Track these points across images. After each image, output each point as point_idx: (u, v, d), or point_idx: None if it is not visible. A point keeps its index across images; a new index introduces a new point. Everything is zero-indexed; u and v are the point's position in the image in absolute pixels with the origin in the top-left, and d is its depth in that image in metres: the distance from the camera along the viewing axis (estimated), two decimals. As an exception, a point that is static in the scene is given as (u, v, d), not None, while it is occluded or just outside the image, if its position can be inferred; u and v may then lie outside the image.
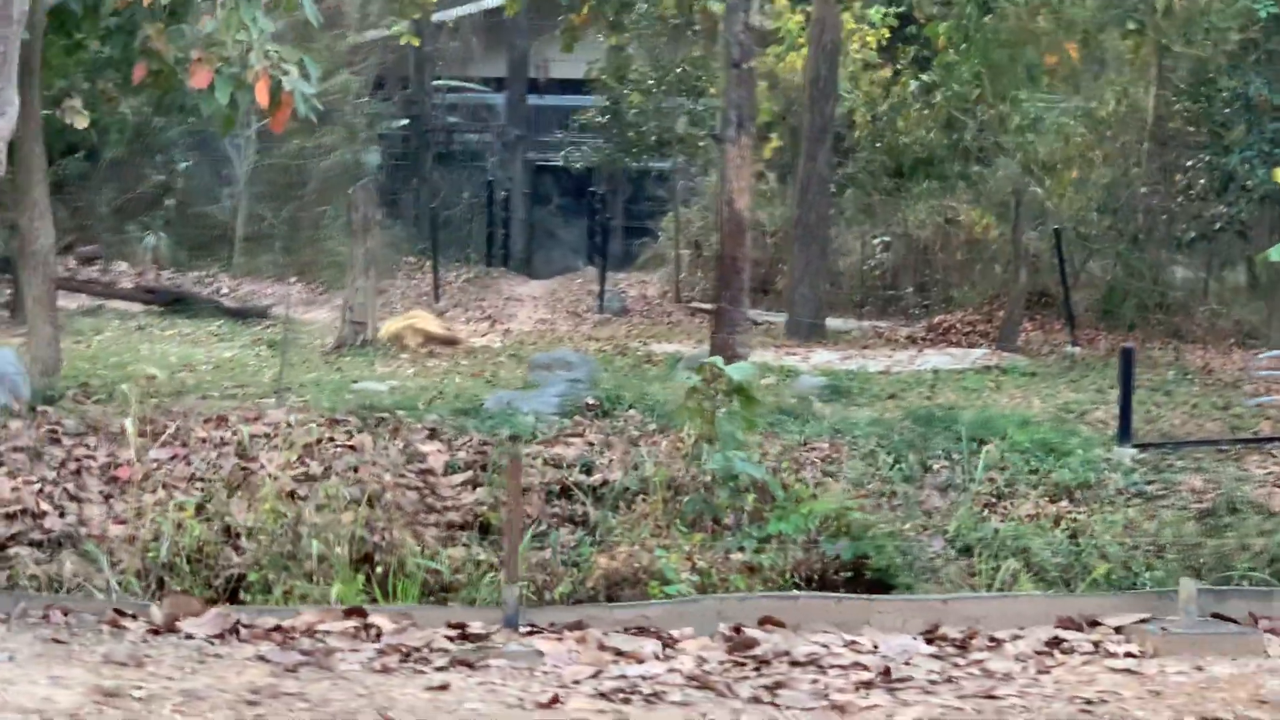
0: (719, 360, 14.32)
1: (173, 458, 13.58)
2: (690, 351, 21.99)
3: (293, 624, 8.14)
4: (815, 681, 7.44)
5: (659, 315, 29.01)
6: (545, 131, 39.85)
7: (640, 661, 7.77)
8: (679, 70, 31.80)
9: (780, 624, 9.79)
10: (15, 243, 22.56)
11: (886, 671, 7.94)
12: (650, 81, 32.42)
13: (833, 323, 25.90)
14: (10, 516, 12.56)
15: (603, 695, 6.83)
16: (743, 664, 7.97)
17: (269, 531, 12.66)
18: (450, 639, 8.08)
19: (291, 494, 13.42)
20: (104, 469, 13.28)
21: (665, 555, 12.63)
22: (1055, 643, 9.07)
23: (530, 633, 8.74)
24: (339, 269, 30.92)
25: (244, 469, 13.53)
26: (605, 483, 14.12)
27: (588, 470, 14.30)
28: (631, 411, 15.63)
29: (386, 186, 39.58)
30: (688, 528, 13.30)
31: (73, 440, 13.65)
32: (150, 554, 12.29)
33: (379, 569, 12.63)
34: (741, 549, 13.17)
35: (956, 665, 8.28)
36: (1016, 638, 9.12)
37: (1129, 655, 8.56)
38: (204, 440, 13.89)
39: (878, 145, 27.31)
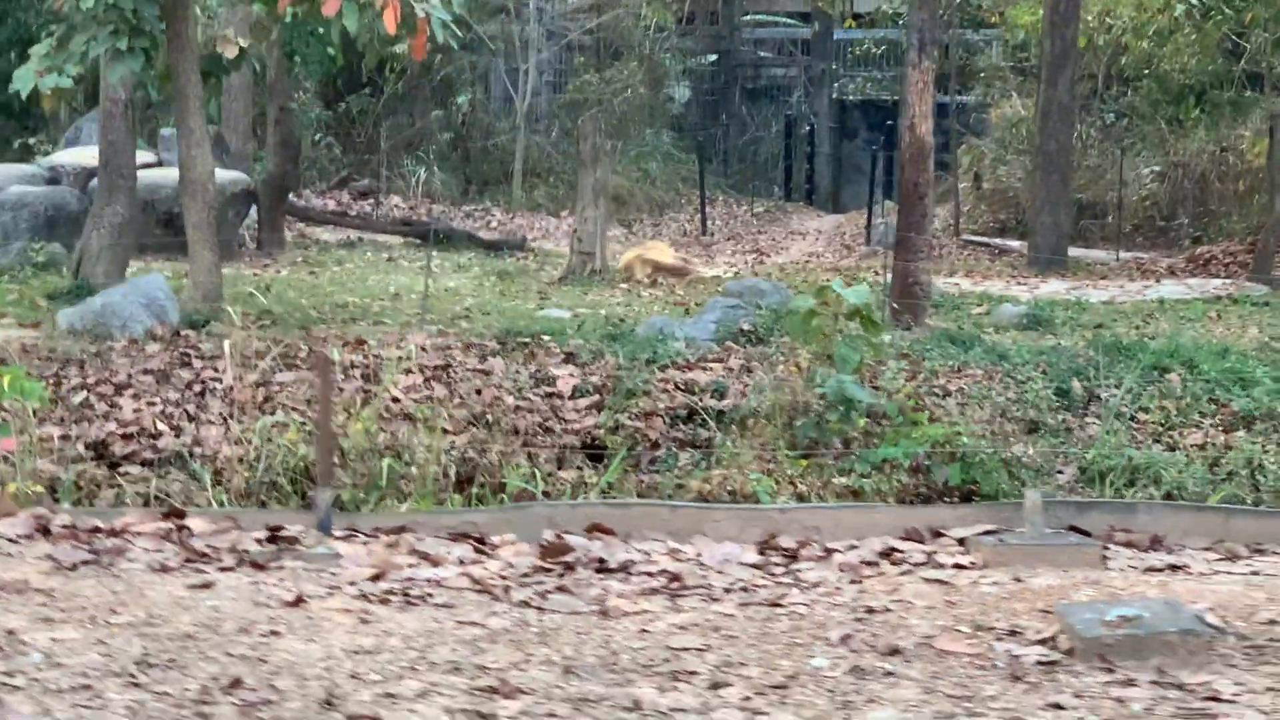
0: (838, 285, 14.04)
1: (297, 380, 13.84)
2: (942, 286, 21.73)
3: (111, 526, 8.24)
4: (601, 587, 7.34)
5: (1051, 254, 28.56)
6: (853, 66, 39.57)
7: (436, 565, 7.74)
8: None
9: (610, 531, 9.65)
10: (264, 174, 23.46)
11: (677, 578, 7.78)
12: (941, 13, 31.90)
13: (1087, 253, 25.28)
14: (127, 437, 12.92)
15: (363, 596, 6.82)
16: (549, 570, 7.89)
17: (375, 451, 12.80)
18: (260, 542, 8.14)
19: (409, 416, 13.60)
20: (227, 392, 13.59)
21: (759, 479, 12.51)
22: (888, 553, 8.79)
23: (347, 537, 8.74)
24: (618, 203, 31.36)
25: (367, 391, 13.75)
26: (736, 407, 13.98)
27: (720, 395, 14.19)
28: (786, 338, 15.44)
29: (695, 122, 39.95)
30: (796, 451, 13.12)
31: (204, 364, 14.03)
32: (253, 473, 12.55)
33: (478, 489, 12.71)
34: (850, 472, 12.96)
35: (770, 574, 8.08)
36: (852, 548, 8.85)
37: (956, 566, 8.27)
38: (334, 363, 14.16)
39: (1145, 72, 26.44)
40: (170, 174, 22.76)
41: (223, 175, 23.39)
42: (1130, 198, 27.90)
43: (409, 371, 14.29)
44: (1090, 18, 26.55)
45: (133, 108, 17.57)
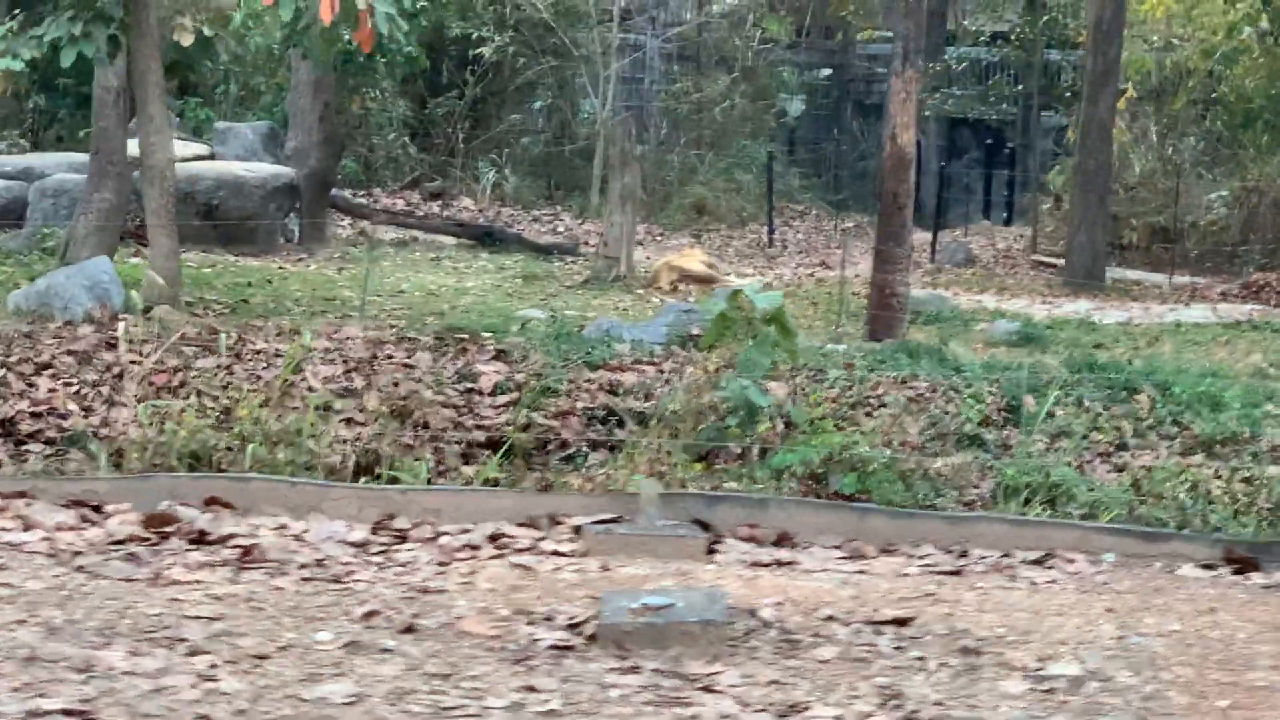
0: (750, 290, 13.92)
1: (218, 367, 13.97)
2: (965, 303, 21.58)
3: None
4: (178, 558, 7.33)
5: (1002, 267, 28.27)
6: (961, 83, 39.21)
7: (28, 529, 7.76)
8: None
9: (229, 505, 9.71)
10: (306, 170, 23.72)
11: (250, 551, 7.74)
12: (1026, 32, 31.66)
13: (1142, 275, 24.87)
14: (36, 415, 13.13)
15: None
16: (146, 539, 7.88)
17: (272, 438, 12.89)
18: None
19: (327, 406, 13.68)
20: (147, 376, 13.75)
21: (638, 480, 12.43)
22: (496, 538, 8.69)
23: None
24: (700, 213, 31.34)
25: (286, 380, 13.85)
26: (652, 410, 13.93)
27: (645, 396, 14.15)
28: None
29: (807, 135, 39.83)
30: (695, 457, 13.05)
31: (130, 347, 14.20)
32: (147, 454, 12.67)
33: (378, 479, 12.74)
34: (740, 478, 12.86)
35: (365, 553, 8.03)
36: (465, 531, 8.76)
37: (554, 553, 8.18)
38: (259, 352, 14.29)
39: (1213, 95, 25.94)
40: (213, 166, 23.18)
41: (264, 170, 23.75)
42: (1200, 222, 27.37)
43: (331, 362, 14.36)
44: (1155, 38, 26.17)
45: (126, 96, 17.74)
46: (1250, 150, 26.52)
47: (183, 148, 24.61)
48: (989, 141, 36.86)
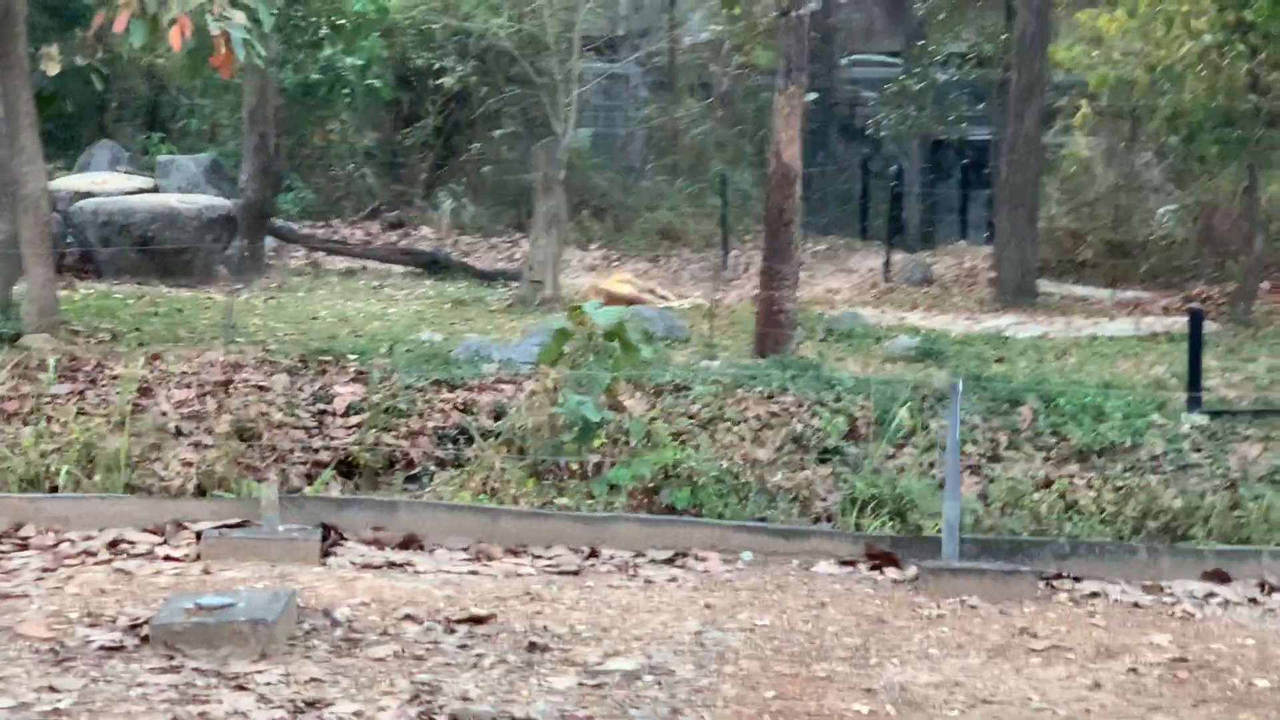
0: (591, 306, 13.92)
1: (69, 393, 14.03)
2: (887, 320, 21.54)
3: None
4: None
5: (960, 286, 28.11)
6: (947, 105, 38.99)
7: None
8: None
9: None
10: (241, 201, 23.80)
11: None
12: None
13: (1076, 289, 24.73)
14: (-122, 441, 13.19)
15: None
16: None
17: (117, 462, 12.92)
18: None
19: (178, 430, 13.74)
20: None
21: (468, 497, 12.48)
22: (115, 544, 8.68)
23: None
24: (667, 238, 31.30)
25: (136, 404, 13.90)
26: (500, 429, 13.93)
27: (498, 415, 14.15)
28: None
29: (792, 160, 39.64)
30: (530, 474, 13.05)
31: (-15, 375, 14.27)
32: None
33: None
34: (575, 494, 12.85)
35: None
36: (88, 538, 8.74)
37: (167, 558, 8.15)
38: (115, 378, 14.33)
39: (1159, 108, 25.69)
40: (148, 199, 23.30)
41: (200, 201, 23.87)
42: (1151, 237, 27.19)
43: (188, 386, 14.40)
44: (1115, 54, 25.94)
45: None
46: (1197, 165, 26.31)
47: (126, 180, 24.89)
48: (964, 161, 36.64)
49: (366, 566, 8.51)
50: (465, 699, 5.86)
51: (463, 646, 6.65)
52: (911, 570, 10.84)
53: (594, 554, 10.72)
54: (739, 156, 36.62)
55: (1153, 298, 25.26)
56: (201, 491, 12.62)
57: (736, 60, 37.67)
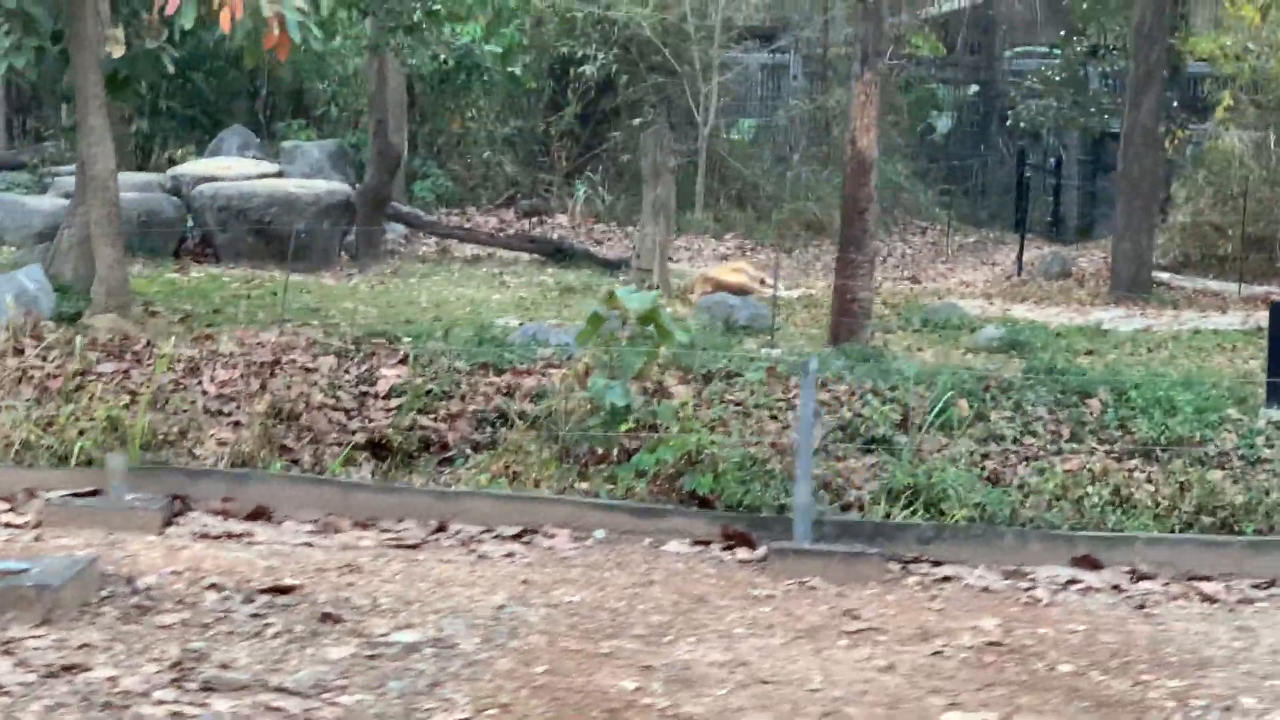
0: (625, 292, 13.79)
1: (114, 371, 14.19)
2: (1027, 313, 21.36)
3: None
4: None
5: (1094, 280, 27.57)
6: (1100, 97, 38.39)
7: None
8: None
9: None
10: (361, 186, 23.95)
11: None
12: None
13: (1211, 284, 24.14)
14: (-79, 413, 13.44)
15: None
16: None
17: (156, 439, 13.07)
18: None
19: (218, 409, 13.87)
20: (44, 379, 14.02)
21: (491, 480, 12.52)
22: None
23: None
24: (814, 230, 31.10)
25: (179, 383, 14.04)
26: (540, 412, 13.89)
27: (539, 399, 14.10)
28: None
29: (955, 151, 39.37)
30: (557, 458, 13.00)
31: (38, 352, 14.47)
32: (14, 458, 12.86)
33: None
34: (597, 479, 12.78)
35: None
36: None
37: (6, 525, 8.10)
38: (163, 357, 14.47)
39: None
40: (266, 184, 23.53)
41: (318, 186, 24.06)
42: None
43: (233, 366, 14.50)
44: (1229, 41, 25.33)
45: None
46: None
47: (253, 166, 25.14)
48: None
49: (204, 537, 8.54)
50: (226, 667, 5.84)
51: (255, 616, 6.68)
52: (762, 551, 10.78)
53: (442, 529, 10.78)
54: (890, 147, 36.22)
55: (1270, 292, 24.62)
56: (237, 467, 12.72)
57: (890, 51, 37.21)
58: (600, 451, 13.12)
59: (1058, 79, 33.06)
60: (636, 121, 32.02)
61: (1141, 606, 10.09)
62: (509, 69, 30.51)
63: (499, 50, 29.98)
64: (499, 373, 14.63)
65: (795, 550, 10.73)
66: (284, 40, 14.89)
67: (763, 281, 23.36)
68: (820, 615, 8.50)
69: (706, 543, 10.86)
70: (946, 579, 10.50)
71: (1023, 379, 15.75)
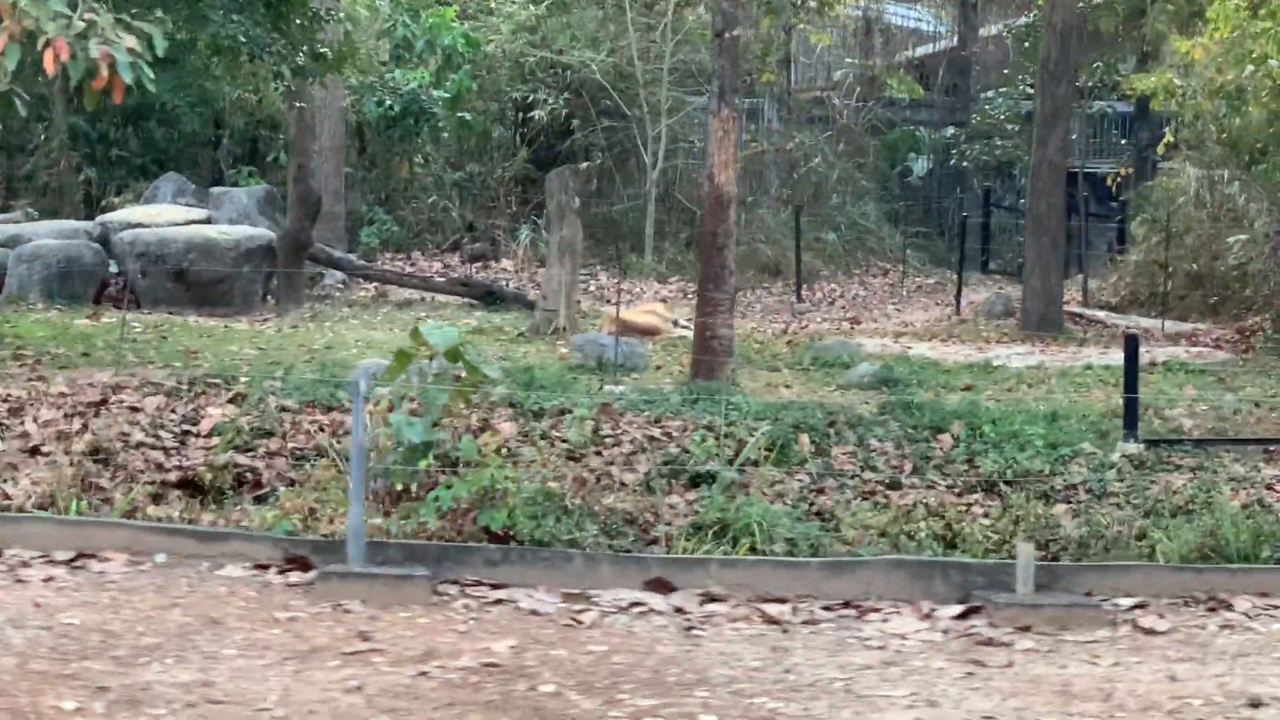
0: (428, 329, 13.68)
1: (-67, 410, 14.21)
2: (929, 350, 21.22)
3: None
4: None
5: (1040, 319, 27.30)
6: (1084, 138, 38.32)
7: None
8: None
9: None
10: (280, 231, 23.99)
11: None
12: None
13: (1122, 319, 23.96)
14: None
15: None
16: None
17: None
18: None
19: (35, 449, 13.85)
20: None
21: (262, 515, 12.43)
22: None
23: None
24: (767, 272, 30.99)
25: (2, 424, 14.05)
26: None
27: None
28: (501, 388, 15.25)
29: (929, 194, 39.25)
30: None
31: None
32: None
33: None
34: (403, 514, 12.68)
35: None
36: None
37: None
38: (-3, 399, 14.51)
39: (1222, 136, 24.73)
40: (185, 230, 23.58)
41: (238, 232, 24.09)
42: (1221, 268, 26.19)
43: (58, 406, 14.49)
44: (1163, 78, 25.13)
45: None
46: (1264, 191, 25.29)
47: (183, 212, 25.21)
48: (1084, 195, 35.78)
49: None
50: None
51: None
52: (313, 574, 10.72)
53: (-1, 553, 10.67)
54: (860, 190, 36.19)
55: (1209, 329, 24.36)
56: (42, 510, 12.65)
57: (855, 93, 37.23)
58: (401, 487, 12.99)
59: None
60: (584, 165, 31.98)
61: (691, 629, 10.10)
62: (459, 114, 30.52)
63: (447, 95, 29.99)
64: (326, 411, 14.57)
65: (344, 574, 10.66)
66: (116, 82, 14.82)
67: (675, 323, 23.26)
68: (331, 638, 8.47)
69: (267, 566, 10.84)
70: (499, 602, 10.50)
71: (876, 414, 15.67)
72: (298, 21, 19.06)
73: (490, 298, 26.09)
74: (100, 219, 25.62)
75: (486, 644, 9.14)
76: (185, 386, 15.00)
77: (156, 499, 13.23)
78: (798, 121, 36.94)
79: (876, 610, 10.82)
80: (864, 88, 38.33)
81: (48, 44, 14.44)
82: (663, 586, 11.06)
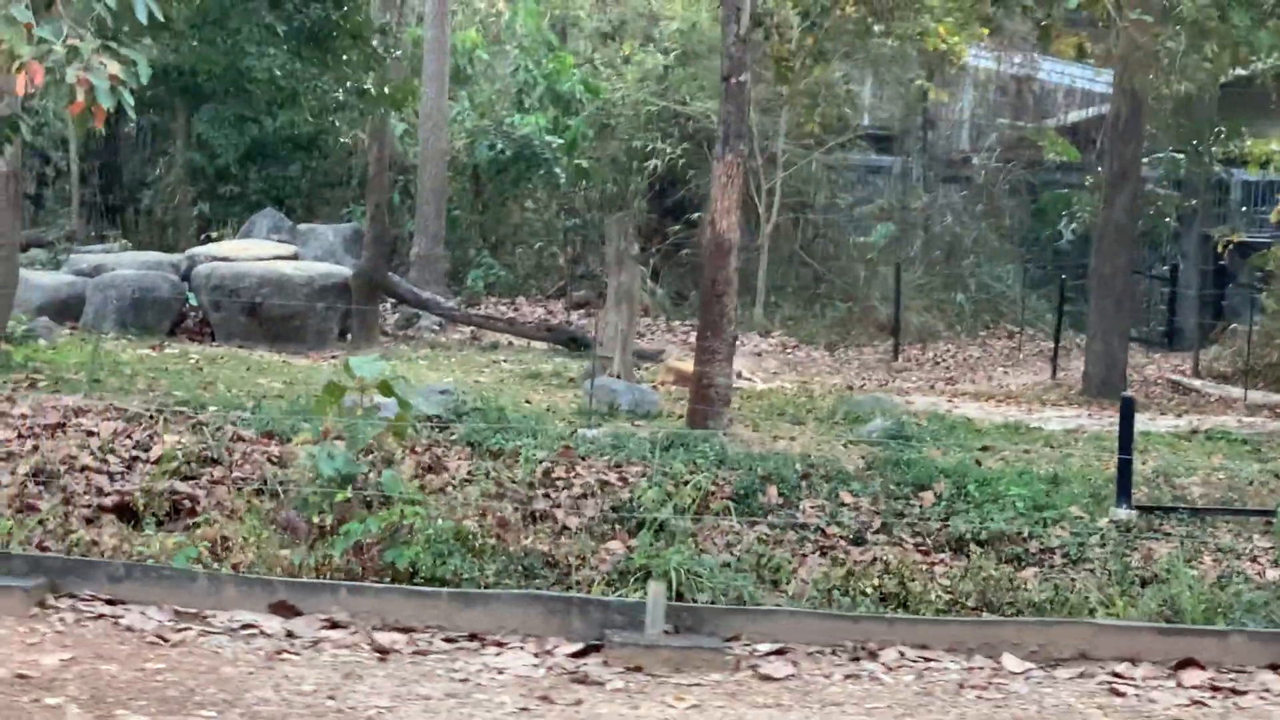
0: (358, 362, 13.51)
1: (-103, 428, 14.34)
2: (977, 412, 20.78)
3: None
4: None
5: (1138, 388, 26.50)
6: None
7: None
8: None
9: None
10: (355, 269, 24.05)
11: None
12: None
13: (1216, 389, 23.12)
14: None
15: None
16: None
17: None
18: None
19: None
20: None
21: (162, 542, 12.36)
22: None
23: None
24: (887, 332, 30.49)
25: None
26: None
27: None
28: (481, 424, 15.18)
29: (1074, 258, 38.41)
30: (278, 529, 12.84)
31: None
32: None
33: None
34: (300, 548, 12.56)
35: None
36: None
37: None
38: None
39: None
40: (259, 265, 23.71)
41: (315, 268, 24.17)
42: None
43: (13, 428, 14.57)
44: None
45: (17, 181, 18.32)
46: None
47: (272, 248, 25.34)
48: (1223, 263, 34.70)
49: None
50: None
51: None
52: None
53: None
54: (997, 252, 35.48)
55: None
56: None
57: (997, 154, 36.53)
58: (319, 520, 12.84)
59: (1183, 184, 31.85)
60: (695, 215, 31.74)
61: (281, 653, 10.13)
62: (576, 161, 30.44)
63: (560, 141, 29.94)
64: (285, 442, 14.47)
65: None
66: (96, 108, 14.87)
67: (739, 374, 22.90)
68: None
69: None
70: (103, 616, 10.58)
71: (862, 469, 15.31)
72: (345, 58, 19.01)
73: (574, 344, 25.89)
74: (190, 252, 25.85)
75: (38, 656, 9.21)
76: (150, 414, 14.92)
77: (90, 523, 13.17)
78: (936, 181, 36.32)
79: (501, 645, 10.79)
80: (1011, 149, 37.55)
81: (21, 67, 14.52)
82: (287, 610, 11.04)
